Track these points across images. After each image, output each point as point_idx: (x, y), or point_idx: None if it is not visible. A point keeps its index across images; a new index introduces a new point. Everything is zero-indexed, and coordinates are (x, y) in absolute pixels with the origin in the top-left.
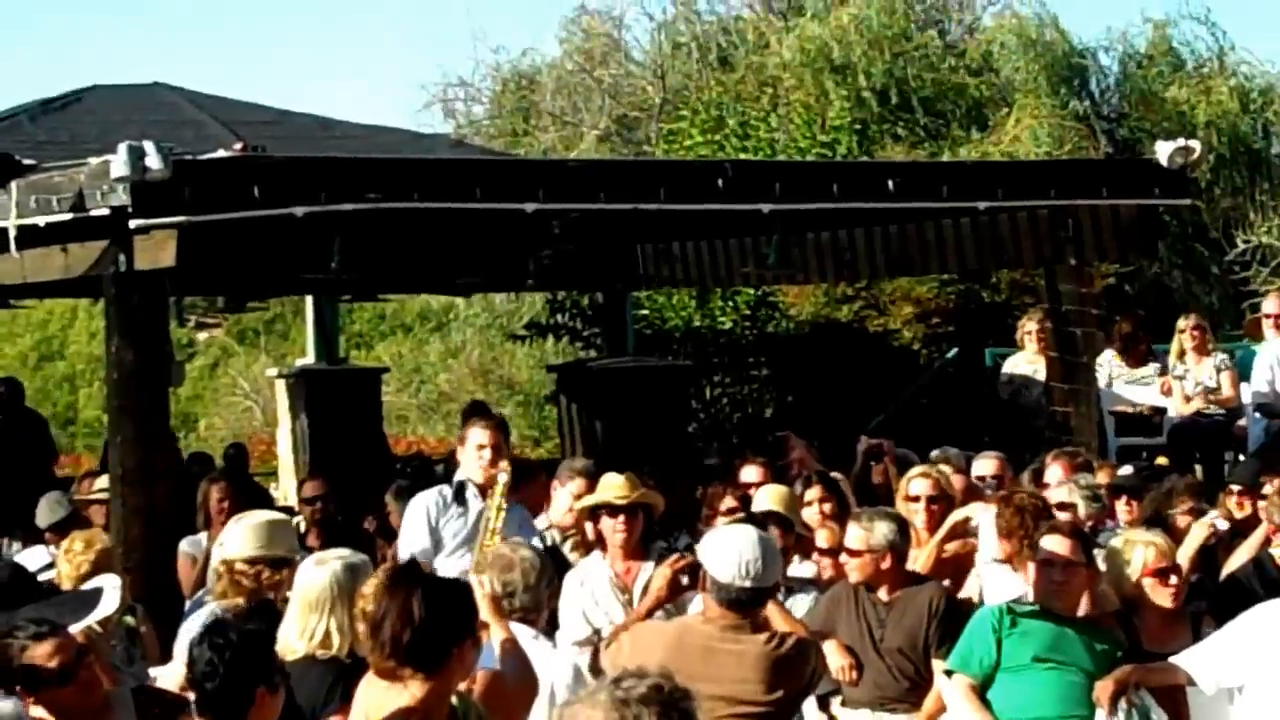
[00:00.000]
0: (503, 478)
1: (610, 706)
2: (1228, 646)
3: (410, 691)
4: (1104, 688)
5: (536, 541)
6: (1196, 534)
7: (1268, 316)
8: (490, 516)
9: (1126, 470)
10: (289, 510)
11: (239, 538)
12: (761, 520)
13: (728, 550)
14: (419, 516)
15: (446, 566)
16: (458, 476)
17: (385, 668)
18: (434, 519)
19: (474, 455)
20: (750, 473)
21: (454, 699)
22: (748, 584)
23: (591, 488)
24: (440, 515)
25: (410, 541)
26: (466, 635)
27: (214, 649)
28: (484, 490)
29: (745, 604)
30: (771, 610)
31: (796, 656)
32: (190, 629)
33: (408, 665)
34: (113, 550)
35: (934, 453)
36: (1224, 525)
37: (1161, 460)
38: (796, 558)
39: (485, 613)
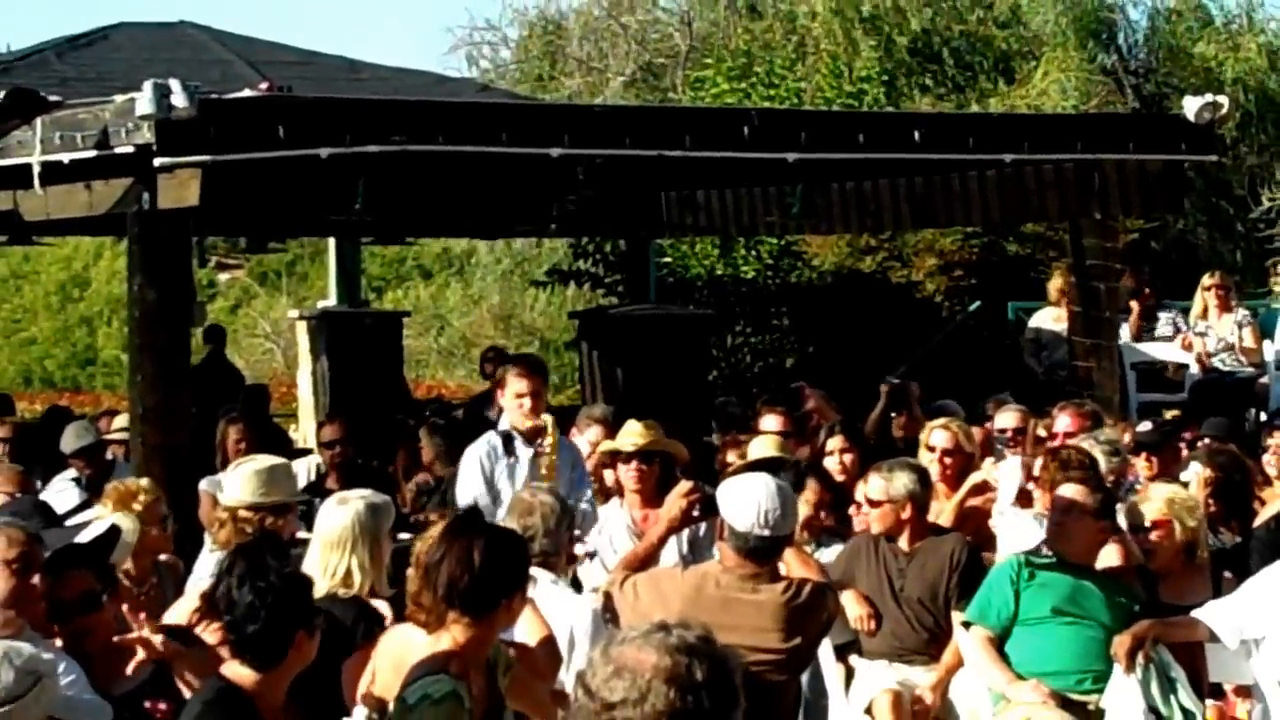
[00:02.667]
0: (549, 426)
1: (665, 651)
2: (1249, 600)
3: (452, 635)
4: (1122, 643)
5: (588, 484)
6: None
7: None
8: (542, 465)
9: (1146, 426)
10: (307, 452)
11: (239, 484)
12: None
13: (745, 499)
14: (473, 470)
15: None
16: (501, 426)
17: (431, 613)
18: (488, 470)
19: (514, 405)
20: (770, 421)
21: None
22: (765, 533)
23: (610, 435)
24: (494, 465)
25: (466, 495)
26: (516, 588)
27: (256, 592)
28: (529, 438)
29: (763, 553)
30: (788, 554)
31: (814, 603)
32: (203, 570)
33: (457, 609)
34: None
35: (934, 404)
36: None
37: (1172, 413)
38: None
39: None
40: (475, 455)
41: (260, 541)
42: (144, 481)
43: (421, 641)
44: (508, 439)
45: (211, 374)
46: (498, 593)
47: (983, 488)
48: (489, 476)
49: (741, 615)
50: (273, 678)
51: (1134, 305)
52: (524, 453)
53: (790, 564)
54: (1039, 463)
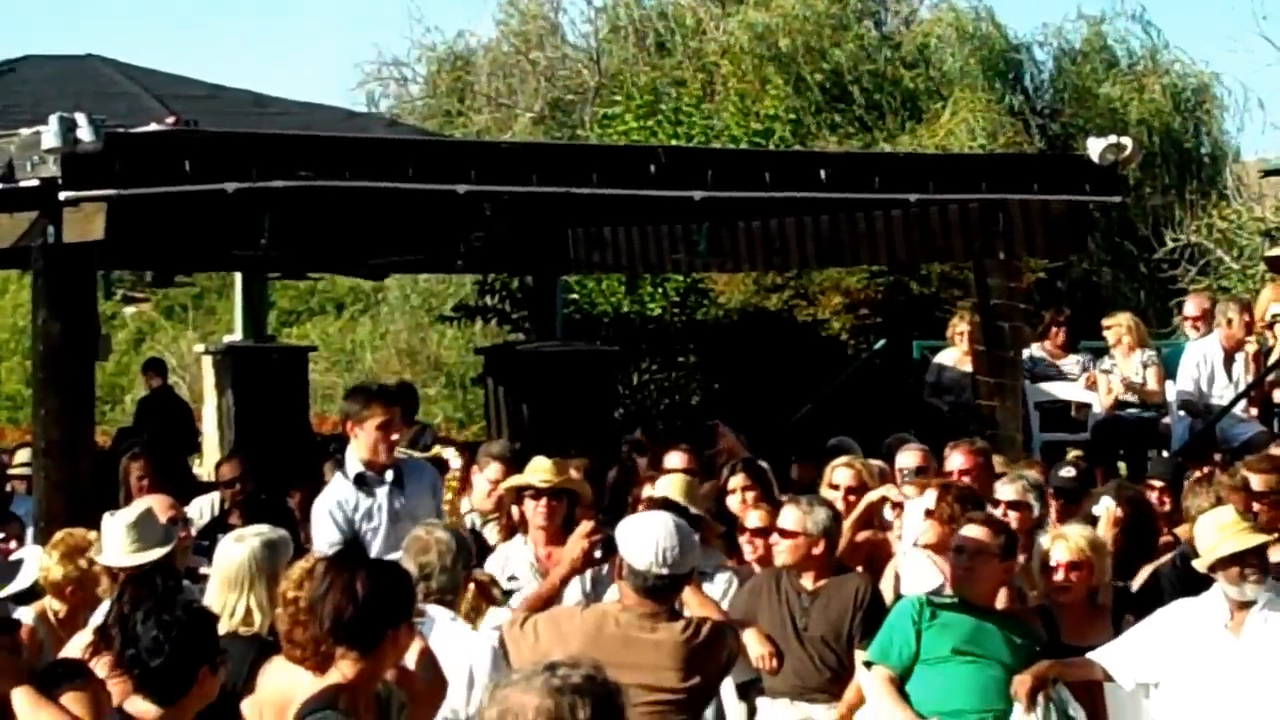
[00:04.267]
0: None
1: (546, 693)
2: (1144, 642)
3: (341, 670)
4: (1022, 682)
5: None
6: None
7: (1188, 318)
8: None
9: (1068, 472)
10: (211, 486)
11: (113, 547)
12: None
13: (644, 537)
14: (325, 523)
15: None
16: (353, 468)
17: (312, 650)
18: (342, 519)
19: (375, 438)
20: (675, 459)
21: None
22: (664, 571)
23: (508, 472)
24: (349, 513)
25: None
26: (403, 619)
27: (160, 626)
28: (383, 471)
29: (662, 591)
30: (687, 593)
31: (713, 642)
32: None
33: (344, 643)
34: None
35: (830, 441)
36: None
37: (1075, 453)
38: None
39: None
40: (324, 508)
41: (152, 574)
42: (89, 532)
43: (307, 679)
44: (360, 480)
45: (162, 407)
46: (383, 624)
47: (871, 512)
48: (347, 522)
49: (640, 654)
50: (174, 713)
51: (1055, 331)
52: (381, 490)
53: (690, 603)
54: (920, 499)
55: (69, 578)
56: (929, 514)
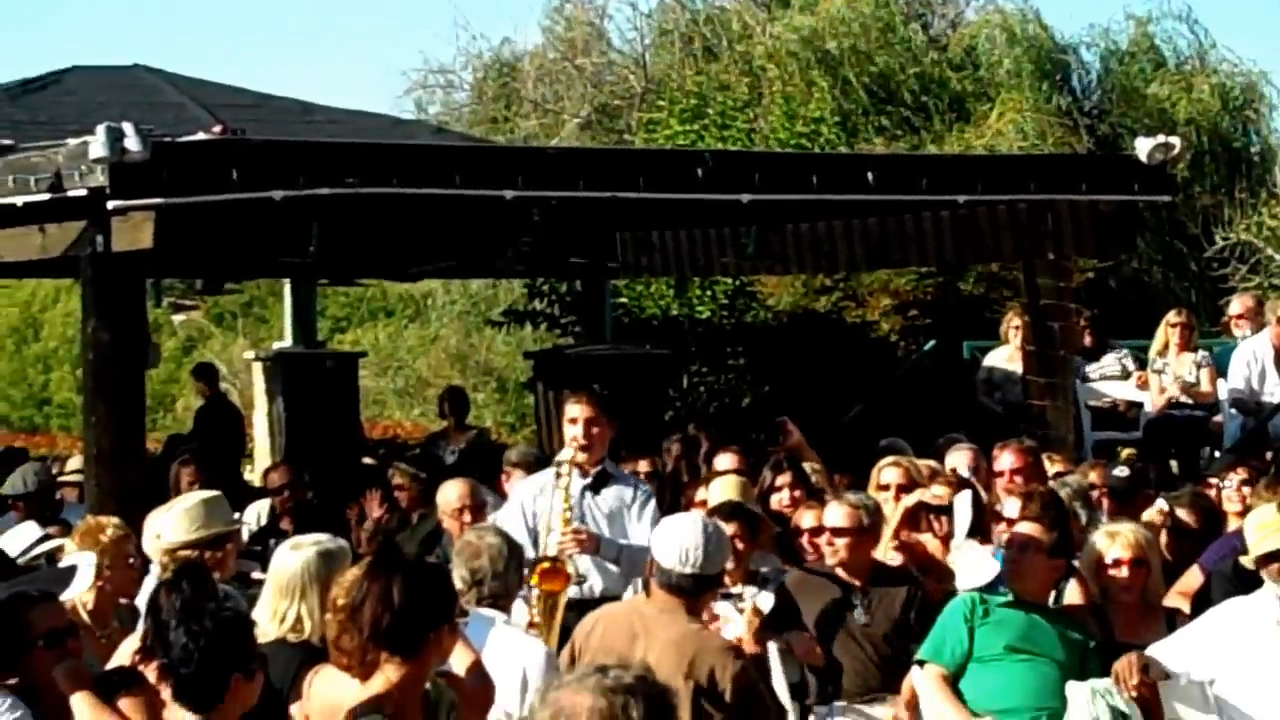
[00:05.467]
0: (566, 454)
1: (599, 693)
2: (1197, 640)
3: (386, 676)
4: (1129, 662)
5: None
6: None
7: (1232, 317)
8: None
9: (1121, 472)
10: (263, 492)
11: (172, 525)
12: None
13: (672, 537)
14: (514, 512)
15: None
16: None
17: (357, 656)
18: (529, 510)
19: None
20: (725, 460)
21: (428, 684)
22: (688, 570)
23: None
24: (537, 505)
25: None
26: (443, 621)
27: (190, 634)
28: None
29: (683, 590)
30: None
31: (720, 652)
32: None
33: (385, 649)
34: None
35: (882, 442)
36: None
37: (1128, 451)
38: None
39: None
40: (518, 499)
41: (181, 577)
42: (113, 519)
43: (355, 687)
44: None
45: (217, 414)
46: (424, 627)
47: (913, 512)
48: (531, 515)
49: (645, 648)
50: None
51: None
52: (576, 484)
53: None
54: (967, 495)
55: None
56: (1010, 521)
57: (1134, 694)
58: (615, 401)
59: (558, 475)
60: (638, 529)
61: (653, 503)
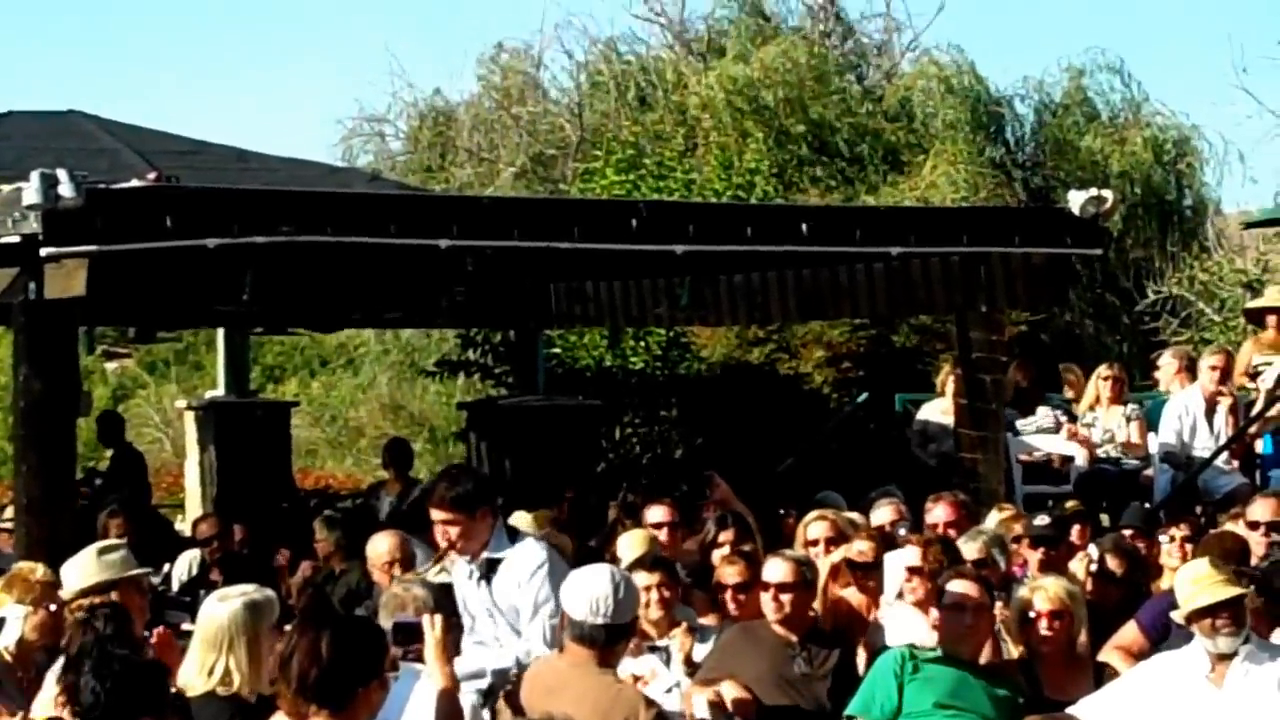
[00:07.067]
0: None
1: None
2: (1126, 695)
3: None
4: None
5: None
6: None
7: (1158, 372)
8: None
9: (1042, 520)
10: (193, 542)
11: (72, 573)
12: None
13: (582, 589)
14: None
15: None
16: None
17: (293, 706)
18: None
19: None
20: (657, 513)
21: None
22: (600, 621)
23: None
24: None
25: None
26: (373, 676)
27: (98, 678)
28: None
29: (597, 641)
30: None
31: (630, 703)
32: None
33: (314, 703)
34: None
35: (817, 496)
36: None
37: (1071, 504)
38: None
39: (431, 656)
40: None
41: (94, 621)
42: (39, 566)
43: None
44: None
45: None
46: (352, 683)
47: (841, 566)
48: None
49: (561, 702)
50: None
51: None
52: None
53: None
54: (902, 552)
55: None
56: (913, 571)
57: None
58: (476, 491)
59: (442, 568)
60: (530, 624)
61: (544, 569)
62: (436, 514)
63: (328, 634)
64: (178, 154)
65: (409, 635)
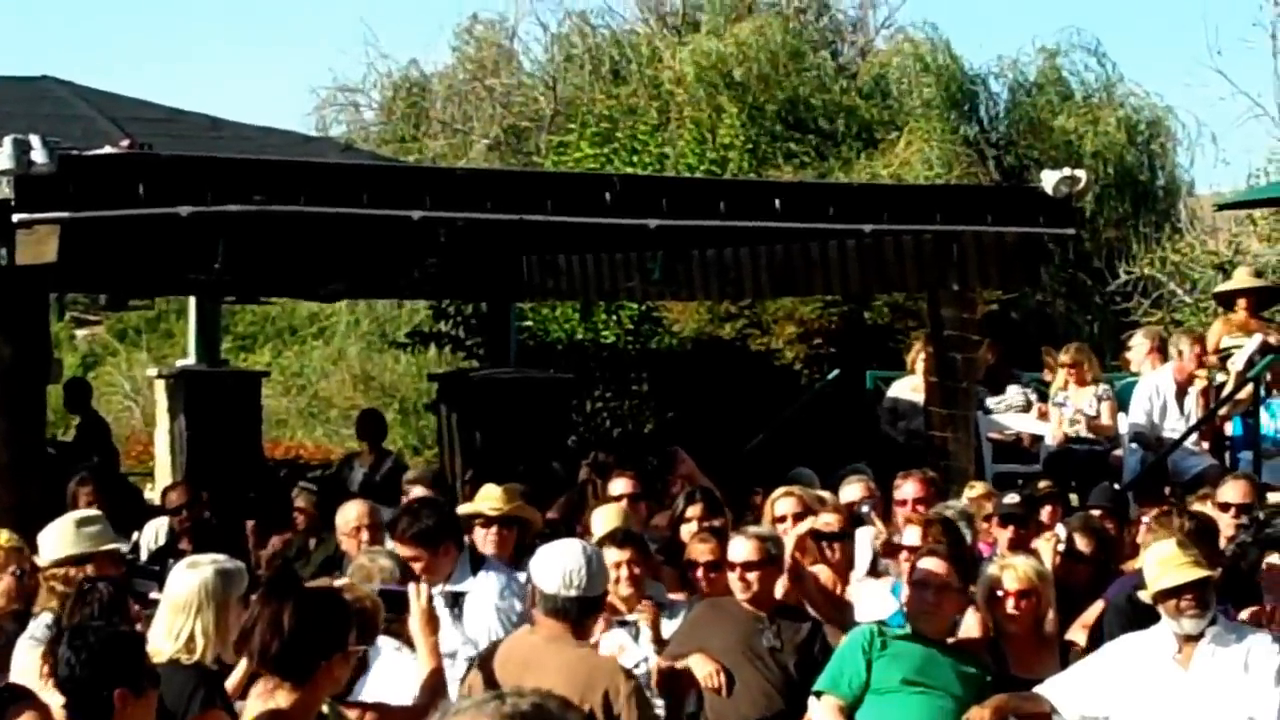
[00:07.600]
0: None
1: (497, 718)
2: (1093, 675)
3: (277, 701)
4: (980, 715)
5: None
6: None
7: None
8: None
9: (1012, 498)
10: (162, 511)
11: (49, 542)
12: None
13: (553, 562)
14: None
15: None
16: None
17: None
18: None
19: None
20: (619, 485)
21: (325, 708)
22: (572, 594)
23: (431, 491)
24: None
25: None
26: (335, 649)
27: (73, 650)
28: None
29: (569, 614)
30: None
31: (609, 672)
32: (33, 628)
33: (276, 674)
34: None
35: (790, 474)
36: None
37: (1044, 485)
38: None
39: (416, 627)
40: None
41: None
42: (4, 531)
43: (255, 706)
44: None
45: (89, 435)
46: (314, 655)
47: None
48: None
49: (537, 677)
50: None
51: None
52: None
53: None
54: (869, 529)
55: None
56: (913, 551)
57: None
58: (438, 526)
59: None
60: None
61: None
62: (399, 549)
63: (290, 606)
64: (151, 121)
65: (393, 604)
